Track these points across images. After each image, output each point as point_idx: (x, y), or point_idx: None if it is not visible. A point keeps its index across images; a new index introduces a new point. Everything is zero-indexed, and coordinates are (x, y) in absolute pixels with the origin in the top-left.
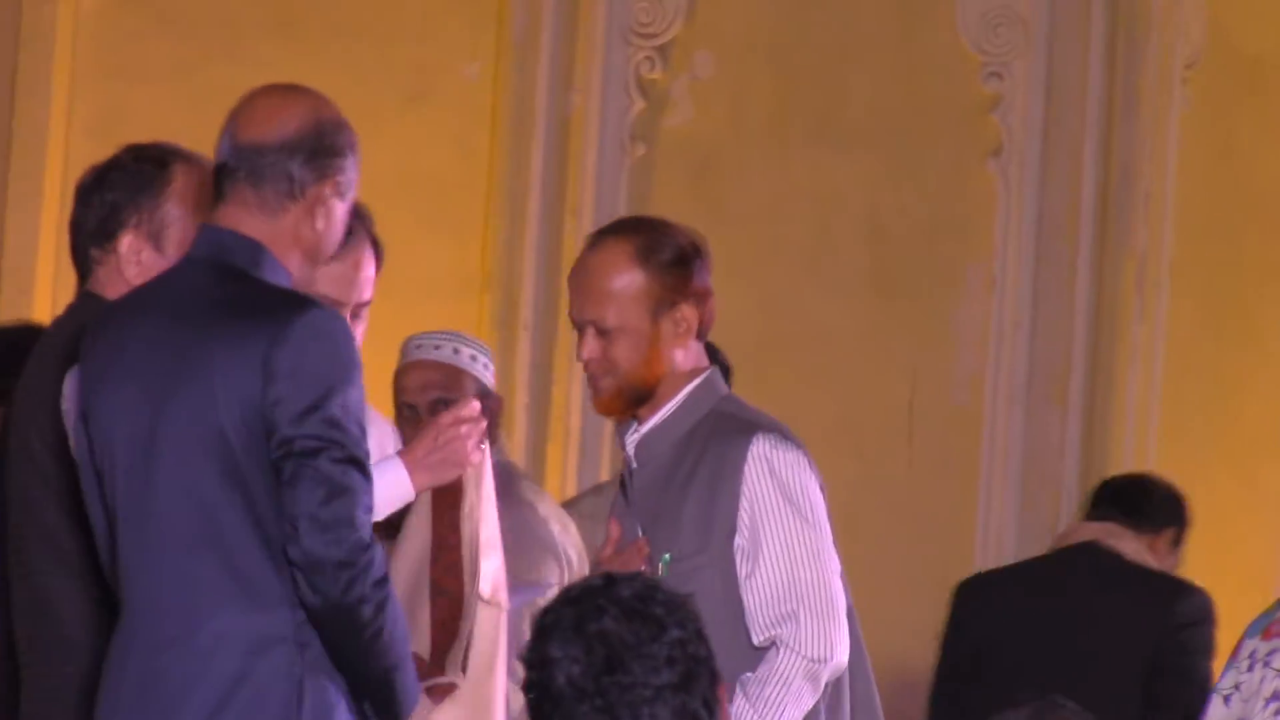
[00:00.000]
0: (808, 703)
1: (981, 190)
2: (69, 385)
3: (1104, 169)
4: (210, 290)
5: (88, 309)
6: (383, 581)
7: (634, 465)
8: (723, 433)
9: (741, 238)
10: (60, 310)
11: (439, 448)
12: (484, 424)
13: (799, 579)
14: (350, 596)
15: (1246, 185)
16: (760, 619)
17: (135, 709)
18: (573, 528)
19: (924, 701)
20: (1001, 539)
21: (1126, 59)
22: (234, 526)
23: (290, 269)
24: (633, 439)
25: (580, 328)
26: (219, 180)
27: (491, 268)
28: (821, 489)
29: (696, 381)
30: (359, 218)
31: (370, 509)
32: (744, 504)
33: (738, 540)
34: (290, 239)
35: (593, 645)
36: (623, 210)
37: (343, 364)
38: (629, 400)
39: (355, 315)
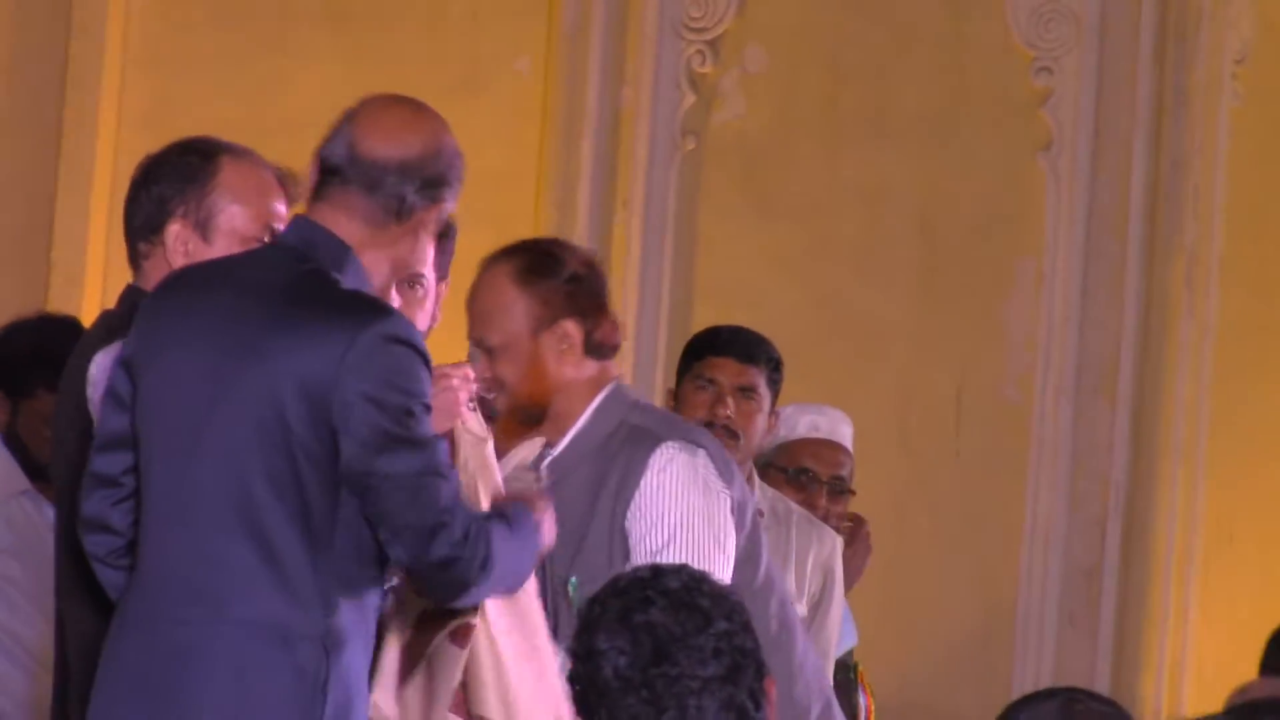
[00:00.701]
0: None
1: (1031, 185)
2: (99, 364)
3: (1154, 164)
4: (290, 278)
5: (129, 306)
6: (468, 539)
7: (546, 483)
8: (632, 447)
9: (791, 232)
10: (110, 301)
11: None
12: (474, 386)
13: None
14: (437, 556)
15: None
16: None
17: (149, 680)
18: None
19: (972, 692)
20: (1049, 534)
21: (1176, 54)
22: (277, 516)
23: (375, 280)
24: (546, 460)
25: (473, 348)
26: (324, 178)
27: None
28: (730, 493)
29: (601, 396)
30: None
31: (445, 475)
32: (634, 515)
33: (630, 550)
34: (387, 254)
35: (639, 637)
36: (673, 204)
37: (418, 370)
38: (524, 417)
39: (410, 285)
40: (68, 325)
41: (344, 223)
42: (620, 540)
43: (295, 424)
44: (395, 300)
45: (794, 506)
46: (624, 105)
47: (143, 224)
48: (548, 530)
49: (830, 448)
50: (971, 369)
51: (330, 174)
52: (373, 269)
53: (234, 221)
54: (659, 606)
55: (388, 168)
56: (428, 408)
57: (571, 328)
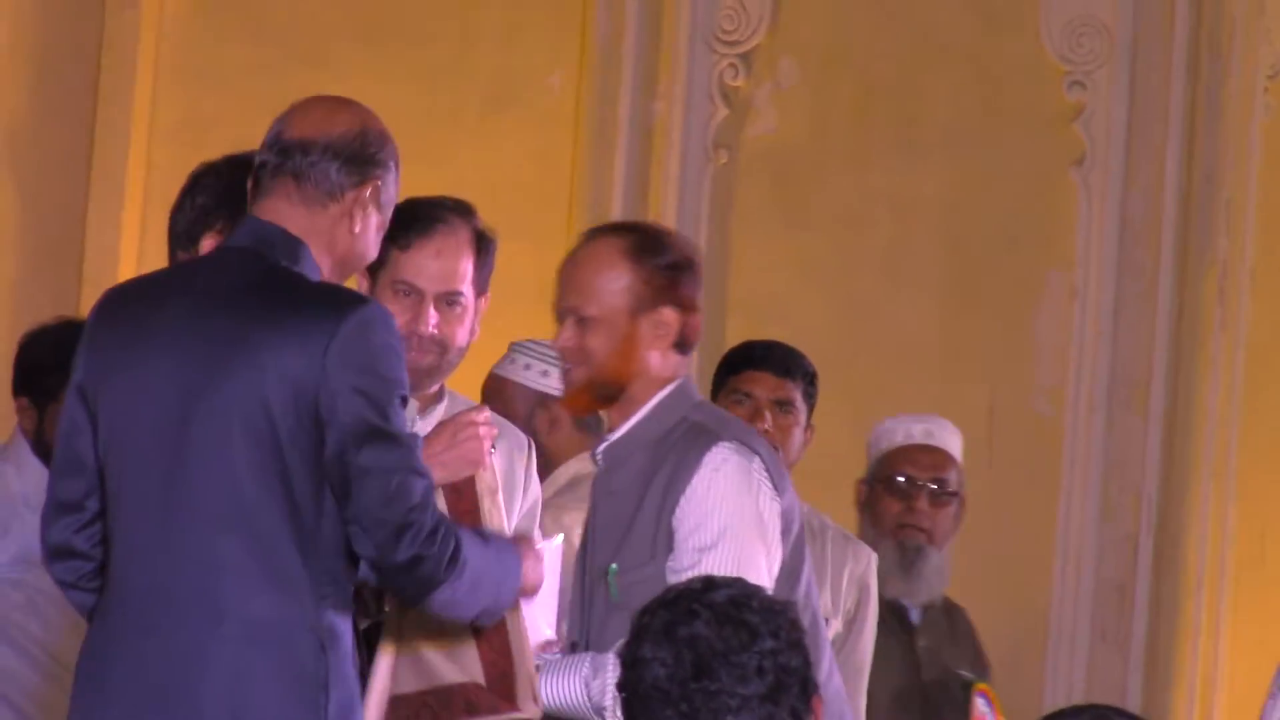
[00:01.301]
0: None
1: (1063, 198)
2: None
3: (1186, 177)
4: (255, 278)
5: None
6: (437, 537)
7: (601, 468)
8: (687, 443)
9: (823, 245)
10: None
11: (455, 444)
12: (495, 432)
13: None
14: (405, 555)
15: None
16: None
17: (155, 690)
18: None
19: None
20: (1081, 548)
21: (1209, 68)
22: (269, 514)
23: (322, 268)
24: (603, 445)
25: (561, 316)
26: (259, 176)
27: None
28: (779, 502)
29: (669, 389)
30: (458, 211)
31: (421, 472)
32: (682, 510)
33: (680, 552)
34: (326, 239)
35: (682, 650)
36: (705, 218)
37: (397, 359)
38: (597, 395)
39: (449, 303)
40: (62, 334)
41: (287, 214)
42: (665, 534)
43: (281, 420)
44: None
45: (829, 522)
46: (656, 119)
47: (183, 231)
48: (530, 570)
49: (928, 452)
50: (1003, 382)
51: (264, 170)
52: (318, 258)
53: None
54: (704, 620)
55: (310, 149)
56: (405, 400)
57: (670, 315)
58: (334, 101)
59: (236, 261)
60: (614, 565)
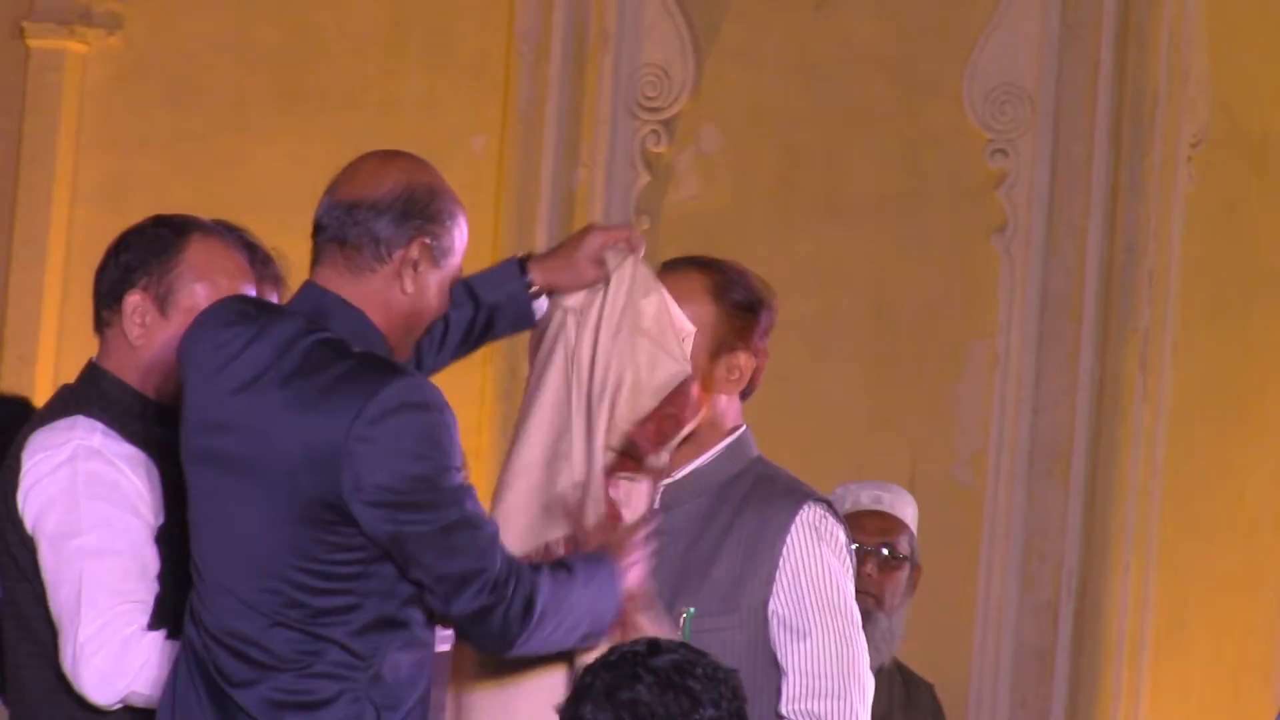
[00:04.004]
0: None
1: (986, 267)
2: (38, 441)
3: (1108, 247)
4: (300, 349)
5: (85, 387)
6: (508, 587)
7: (659, 507)
8: (766, 495)
9: None
10: (64, 377)
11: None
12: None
13: (852, 657)
14: (472, 607)
15: (1251, 264)
16: (800, 688)
17: None
18: None
19: None
20: (1002, 616)
21: (1132, 137)
22: (304, 587)
23: (384, 333)
24: (665, 481)
25: None
26: (315, 241)
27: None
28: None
29: (735, 435)
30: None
31: (477, 524)
32: (786, 570)
33: (773, 605)
34: (380, 303)
35: (622, 713)
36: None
37: (433, 431)
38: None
39: None
40: (17, 405)
41: (336, 279)
42: (758, 586)
43: (311, 493)
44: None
45: None
46: (579, 185)
47: (107, 291)
48: (634, 575)
49: (878, 518)
50: (924, 450)
51: (318, 234)
52: (376, 320)
53: (195, 299)
54: (646, 684)
55: (356, 210)
56: (446, 466)
57: (745, 360)
58: (382, 160)
59: (287, 329)
60: (691, 609)
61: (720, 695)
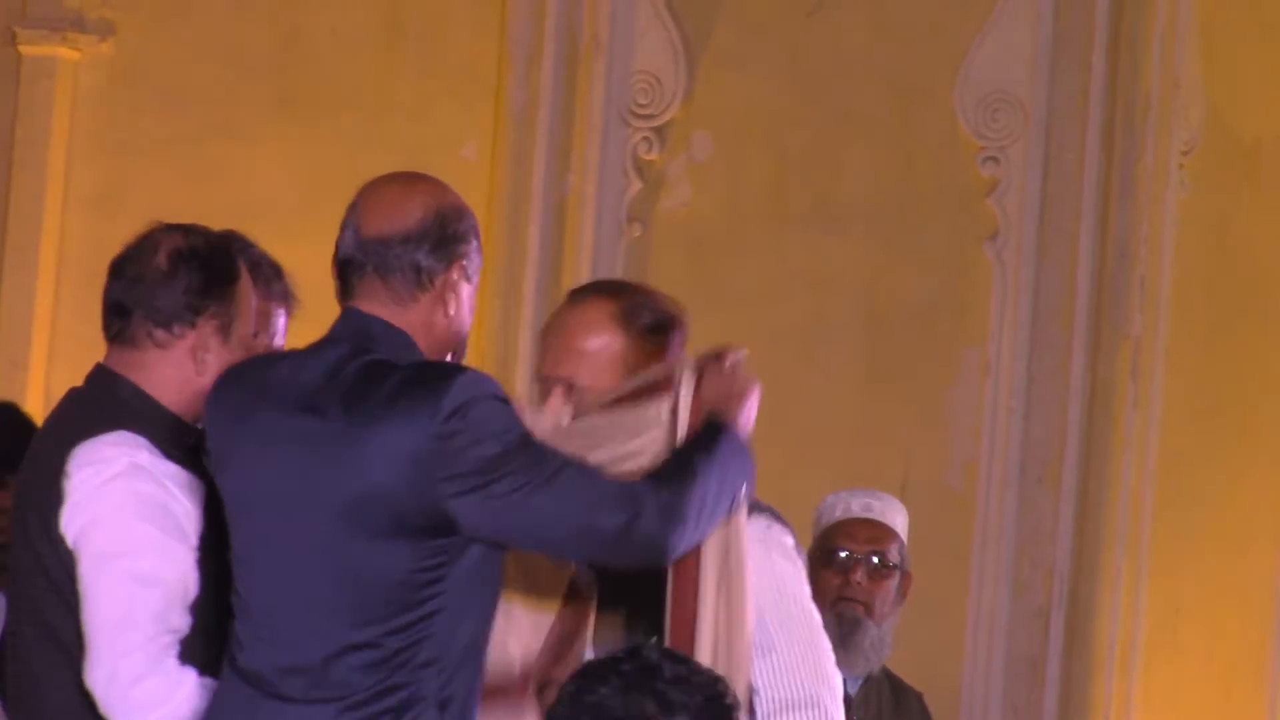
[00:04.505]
0: None
1: (977, 274)
2: (87, 453)
3: (1100, 254)
4: (354, 371)
5: (115, 402)
6: (631, 495)
7: None
8: None
9: (737, 319)
10: (55, 384)
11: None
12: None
13: (817, 661)
14: (610, 532)
15: (1242, 270)
16: (773, 704)
17: None
18: None
19: None
20: (993, 623)
21: (1124, 144)
22: (373, 590)
23: (425, 355)
24: None
25: (548, 384)
26: (343, 273)
27: (486, 347)
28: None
29: None
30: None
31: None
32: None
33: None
34: (423, 328)
35: (582, 717)
36: None
37: (503, 414)
38: None
39: None
40: (8, 411)
41: (379, 307)
42: None
43: (391, 506)
44: None
45: None
46: (570, 191)
47: (170, 313)
48: (746, 423)
49: (867, 526)
50: (916, 457)
51: (346, 267)
52: (420, 343)
53: (248, 328)
54: (611, 686)
55: (391, 243)
56: (526, 433)
57: None
58: (402, 186)
59: (336, 355)
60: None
61: (690, 699)
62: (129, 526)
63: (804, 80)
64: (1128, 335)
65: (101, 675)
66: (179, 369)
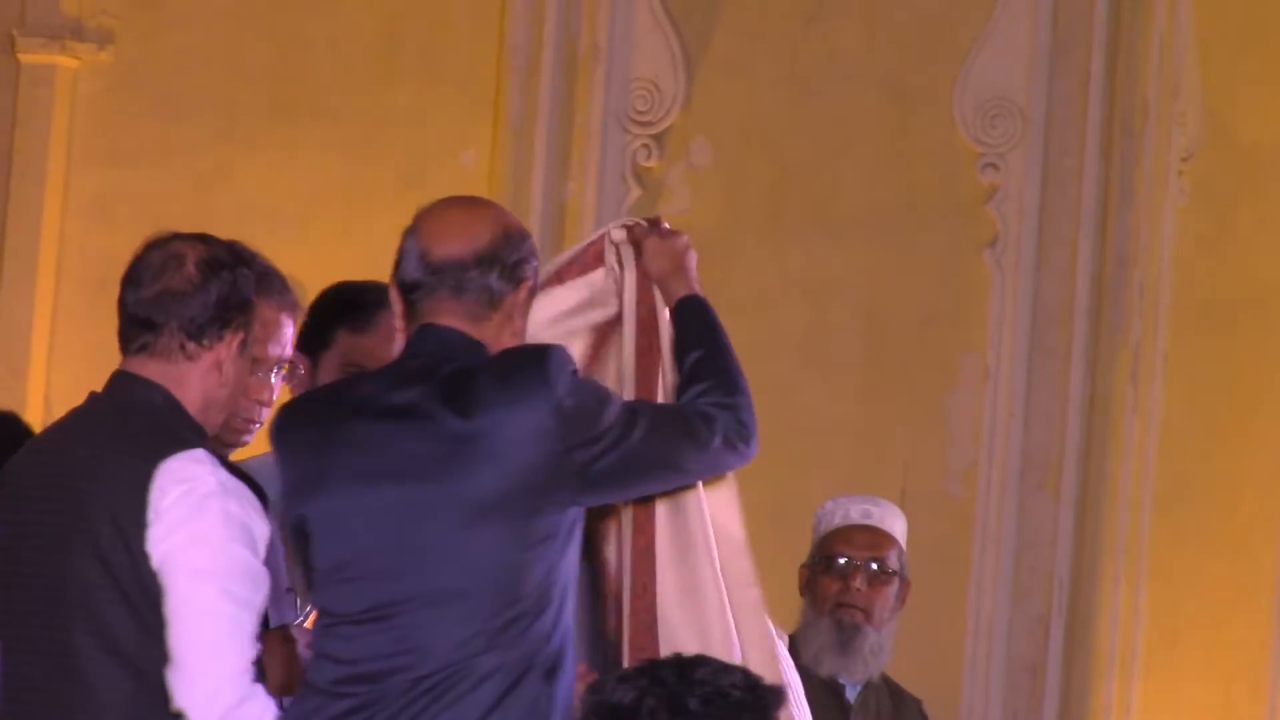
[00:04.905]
0: None
1: (976, 280)
2: (173, 472)
3: (1099, 260)
4: (445, 376)
5: (167, 413)
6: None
7: None
8: None
9: (737, 326)
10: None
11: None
12: None
13: None
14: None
15: (1241, 277)
16: None
17: None
18: None
19: None
20: (993, 629)
21: (1123, 150)
22: (511, 574)
23: None
24: None
25: None
26: (409, 297)
27: None
28: None
29: None
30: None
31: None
32: None
33: None
34: (494, 341)
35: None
36: None
37: (593, 379)
38: None
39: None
40: (8, 421)
41: (455, 322)
42: None
43: (527, 485)
44: None
45: None
46: (569, 198)
47: (203, 323)
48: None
49: (866, 532)
50: (916, 463)
51: (414, 290)
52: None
53: (263, 341)
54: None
55: (466, 265)
56: (610, 391)
57: None
58: (467, 209)
59: (420, 369)
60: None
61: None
62: (226, 548)
63: (803, 87)
64: (1127, 341)
65: (201, 696)
66: (203, 381)
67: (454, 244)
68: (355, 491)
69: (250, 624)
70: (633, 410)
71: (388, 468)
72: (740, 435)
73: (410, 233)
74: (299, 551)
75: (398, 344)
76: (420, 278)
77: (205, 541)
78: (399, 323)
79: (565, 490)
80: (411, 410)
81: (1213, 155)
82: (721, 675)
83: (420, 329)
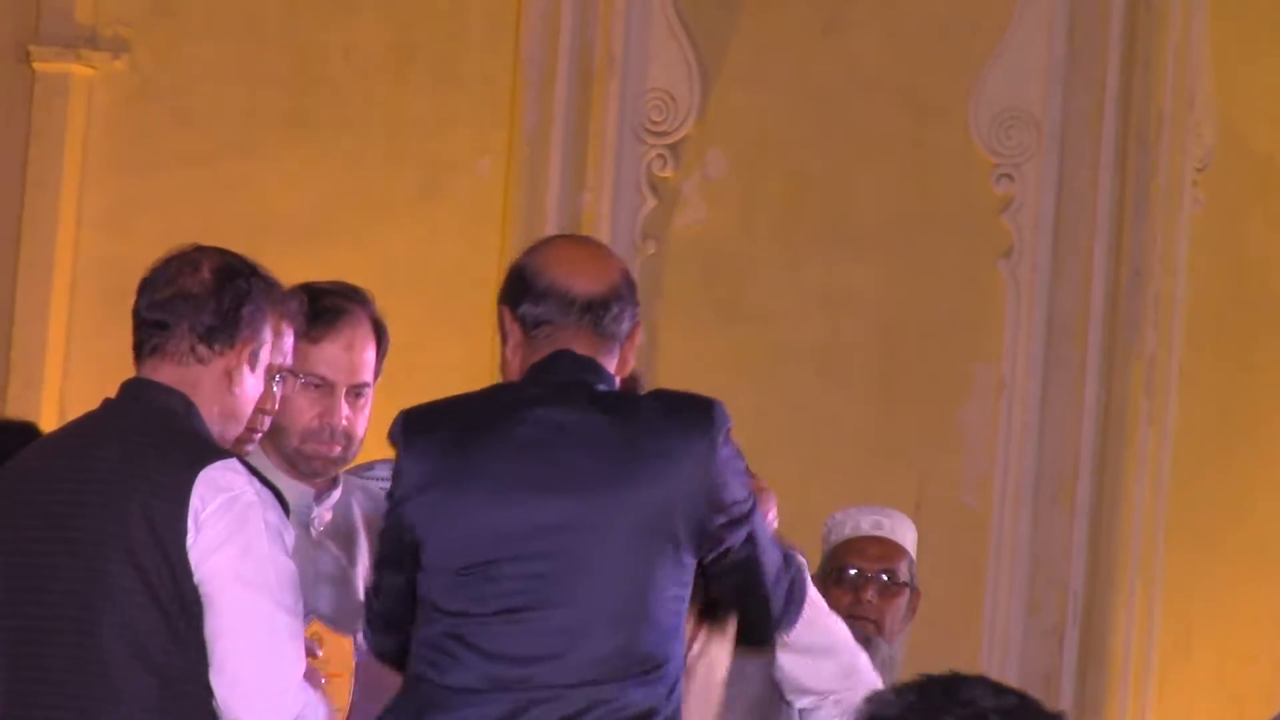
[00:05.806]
0: None
1: (991, 291)
2: (213, 482)
3: (1114, 271)
4: (600, 400)
5: (189, 420)
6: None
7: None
8: None
9: (752, 337)
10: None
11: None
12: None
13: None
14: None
15: (1257, 287)
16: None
17: None
18: None
19: None
20: (1007, 640)
21: (1138, 161)
22: (656, 603)
23: None
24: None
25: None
26: (532, 330)
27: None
28: None
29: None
30: (359, 300)
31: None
32: None
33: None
34: (617, 374)
35: None
36: None
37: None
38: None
39: (356, 395)
40: (25, 430)
41: (589, 350)
42: None
43: (680, 522)
44: None
45: None
46: (584, 209)
47: (222, 331)
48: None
49: (877, 543)
50: (930, 475)
51: (539, 325)
52: None
53: (271, 352)
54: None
55: (610, 304)
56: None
57: None
58: (588, 251)
59: (573, 392)
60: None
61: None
62: (273, 559)
63: (818, 98)
64: (1142, 352)
65: (269, 708)
66: (216, 387)
67: (591, 284)
68: (508, 496)
69: (301, 631)
70: (754, 509)
71: (548, 477)
72: (794, 607)
73: (533, 271)
74: (405, 546)
75: (513, 366)
76: (553, 313)
77: (253, 554)
78: (513, 350)
79: (697, 536)
80: (574, 424)
81: (1228, 166)
82: (988, 697)
83: (557, 353)
